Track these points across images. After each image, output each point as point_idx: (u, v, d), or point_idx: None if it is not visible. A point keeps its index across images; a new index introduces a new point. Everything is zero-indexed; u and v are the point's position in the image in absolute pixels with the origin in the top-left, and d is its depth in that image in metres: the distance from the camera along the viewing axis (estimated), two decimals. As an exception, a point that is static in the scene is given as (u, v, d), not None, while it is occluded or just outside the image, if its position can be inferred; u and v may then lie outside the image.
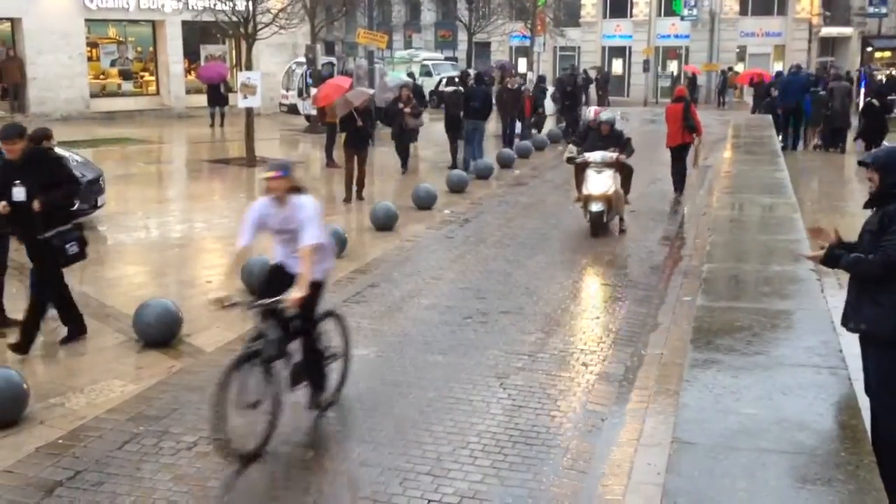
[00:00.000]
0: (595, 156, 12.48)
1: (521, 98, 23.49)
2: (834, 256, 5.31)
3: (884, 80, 28.06)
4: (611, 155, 12.45)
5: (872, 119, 20.89)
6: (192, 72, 31.56)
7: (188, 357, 7.76)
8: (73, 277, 10.01)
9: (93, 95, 29.90)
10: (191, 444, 6.01)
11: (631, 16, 48.86)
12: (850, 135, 22.46)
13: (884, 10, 46.97)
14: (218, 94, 27.52)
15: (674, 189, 16.26)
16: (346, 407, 6.66)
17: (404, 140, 18.44)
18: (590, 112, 13.87)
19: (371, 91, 18.84)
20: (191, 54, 32.28)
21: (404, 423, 6.37)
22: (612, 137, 12.79)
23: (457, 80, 23.51)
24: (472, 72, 24.64)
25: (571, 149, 13.37)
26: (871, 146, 21.21)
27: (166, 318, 8.02)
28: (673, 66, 47.41)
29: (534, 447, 6.04)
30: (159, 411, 6.56)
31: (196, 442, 6.03)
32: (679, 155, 16.14)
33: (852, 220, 11.98)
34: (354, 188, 15.25)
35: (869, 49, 49.55)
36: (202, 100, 28.96)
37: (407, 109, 18.18)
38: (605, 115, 13.14)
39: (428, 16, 54.44)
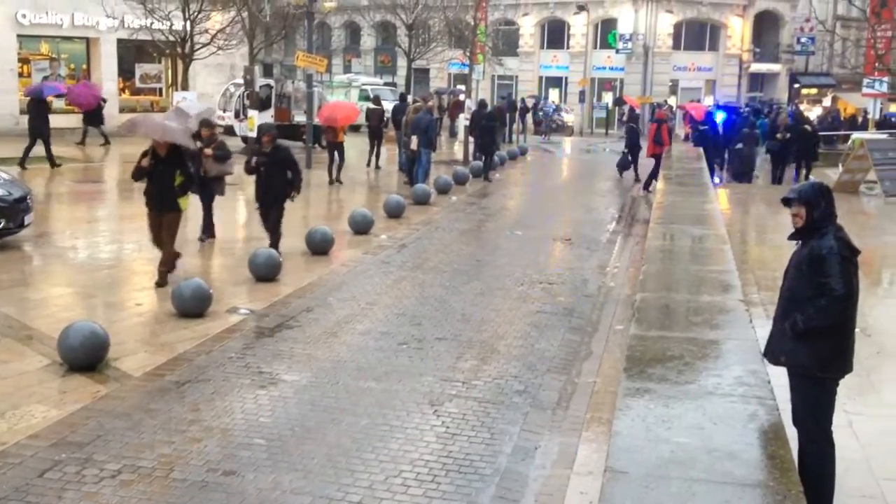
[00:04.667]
0: None
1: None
2: (792, 325, 5.35)
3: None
4: None
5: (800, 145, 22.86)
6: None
7: (114, 382, 7.56)
8: (-4, 298, 9.75)
9: (23, 112, 29.05)
10: (115, 472, 5.83)
11: (568, 47, 49.69)
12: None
13: (811, 49, 48.62)
14: (96, 115, 26.60)
15: (644, 186, 22.02)
16: (276, 434, 6.55)
17: (207, 194, 13.21)
18: None
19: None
20: (125, 73, 31.78)
21: (336, 451, 6.29)
22: None
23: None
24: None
25: None
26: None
27: (93, 341, 7.80)
28: (608, 98, 48.26)
29: (467, 475, 6.01)
30: (83, 438, 6.36)
31: (120, 470, 5.86)
32: (655, 161, 21.79)
33: (779, 251, 12.26)
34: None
35: (796, 85, 51.13)
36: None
37: (207, 151, 13.00)
38: None
39: (368, 41, 54.61)
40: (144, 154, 10.72)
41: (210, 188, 13.15)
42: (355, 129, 26.55)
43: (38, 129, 20.76)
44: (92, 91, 27.07)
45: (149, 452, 6.16)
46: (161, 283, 10.63)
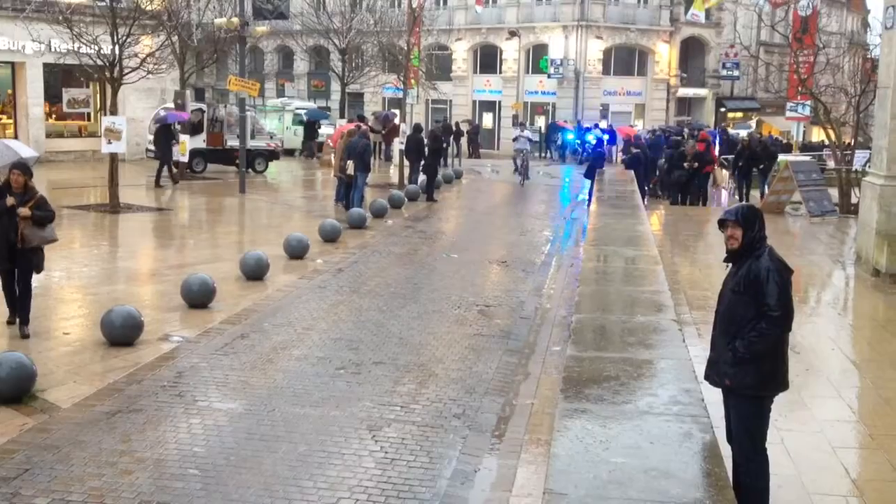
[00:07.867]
0: None
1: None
2: (733, 352, 5.40)
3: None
4: None
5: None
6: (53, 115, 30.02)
7: (42, 414, 7.34)
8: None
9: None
10: (43, 508, 5.66)
11: (500, 72, 50.26)
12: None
13: (736, 74, 50.02)
14: None
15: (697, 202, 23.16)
16: (212, 463, 6.42)
17: (23, 269, 9.62)
18: None
19: None
20: (52, 97, 31.12)
21: (273, 480, 6.19)
22: None
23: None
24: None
25: None
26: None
27: (19, 371, 7.57)
28: (541, 121, 48.81)
29: (406, 500, 5.97)
30: (9, 472, 6.16)
31: (49, 505, 5.69)
32: (702, 181, 23.22)
33: (709, 271, 12.52)
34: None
35: (722, 109, 52.48)
36: (64, 144, 27.81)
37: (24, 211, 9.34)
38: None
39: (301, 65, 54.44)
40: None
41: (26, 261, 9.57)
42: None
43: (165, 152, 24.59)
44: None
45: (78, 486, 5.98)
46: None
